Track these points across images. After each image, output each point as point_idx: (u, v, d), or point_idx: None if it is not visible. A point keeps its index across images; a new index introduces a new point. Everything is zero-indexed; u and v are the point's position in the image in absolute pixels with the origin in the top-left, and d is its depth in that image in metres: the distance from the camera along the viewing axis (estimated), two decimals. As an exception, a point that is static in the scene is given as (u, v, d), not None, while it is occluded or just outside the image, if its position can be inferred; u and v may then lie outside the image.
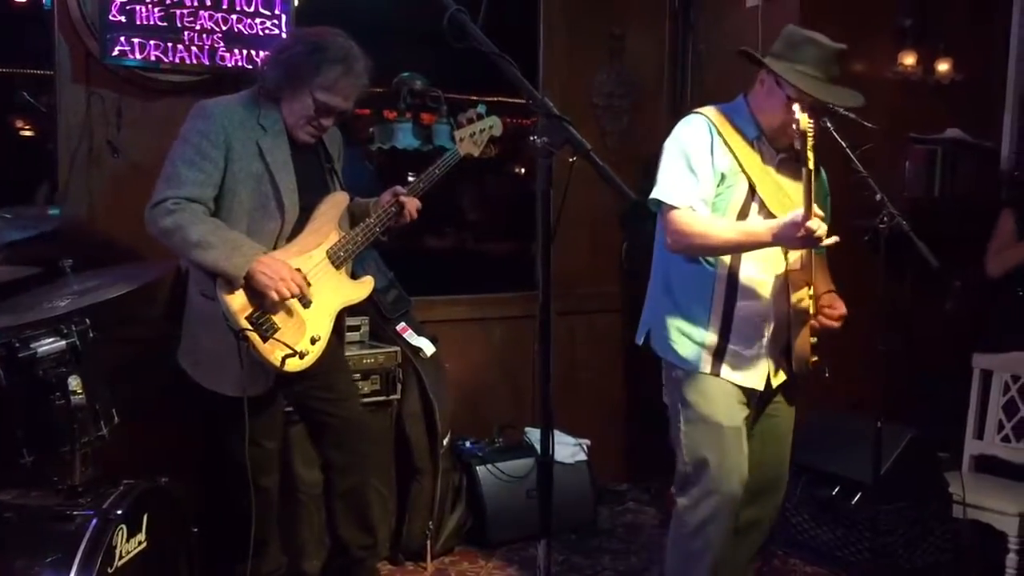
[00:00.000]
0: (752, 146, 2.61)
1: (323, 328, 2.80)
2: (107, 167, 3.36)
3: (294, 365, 2.71)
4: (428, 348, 3.72)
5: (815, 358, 2.63)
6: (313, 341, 2.77)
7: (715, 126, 2.59)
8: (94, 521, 2.31)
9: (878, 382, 2.94)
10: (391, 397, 3.59)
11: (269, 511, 2.95)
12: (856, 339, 2.84)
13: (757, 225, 2.52)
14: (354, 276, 2.99)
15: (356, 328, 3.64)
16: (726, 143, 2.57)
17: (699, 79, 4.64)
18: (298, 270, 2.73)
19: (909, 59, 4.38)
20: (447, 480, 3.72)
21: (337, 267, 2.86)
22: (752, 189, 2.57)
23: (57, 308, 2.53)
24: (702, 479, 2.60)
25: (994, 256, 4.01)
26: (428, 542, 3.61)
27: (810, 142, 2.31)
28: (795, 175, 2.62)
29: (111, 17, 3.22)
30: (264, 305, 2.67)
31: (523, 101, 1.87)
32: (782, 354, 2.66)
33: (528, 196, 4.55)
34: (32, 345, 2.46)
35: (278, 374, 2.76)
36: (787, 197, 2.60)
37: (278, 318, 2.69)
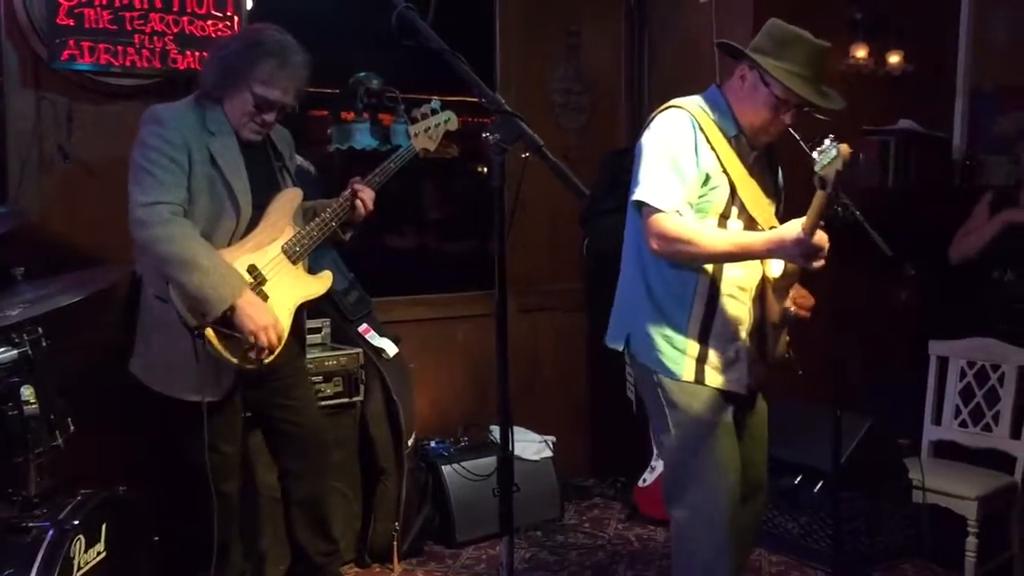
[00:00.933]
0: (731, 144, 2.51)
1: (282, 323, 2.78)
2: (58, 172, 3.31)
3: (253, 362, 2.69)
4: (391, 349, 3.70)
5: (789, 353, 2.65)
6: None
7: (698, 123, 2.48)
8: (51, 532, 2.28)
9: (835, 371, 2.98)
10: (354, 399, 3.57)
11: (230, 516, 2.92)
12: (812, 328, 2.86)
13: (752, 237, 2.43)
14: (312, 273, 2.97)
15: (318, 330, 3.62)
16: (708, 141, 2.47)
17: (656, 75, 4.68)
18: (253, 266, 2.72)
19: (861, 52, 4.44)
20: (412, 480, 3.71)
21: (294, 262, 2.84)
22: (733, 190, 2.50)
23: (9, 317, 2.48)
24: (704, 480, 2.51)
25: (957, 241, 4.03)
26: (395, 543, 3.60)
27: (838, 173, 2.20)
28: (766, 173, 2.63)
29: (59, 21, 3.17)
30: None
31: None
32: (758, 354, 2.61)
33: (490, 195, 4.55)
34: (-17, 355, 2.43)
35: (237, 378, 2.74)
36: (763, 197, 2.56)
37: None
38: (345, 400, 3.54)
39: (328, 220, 2.88)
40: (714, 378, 2.54)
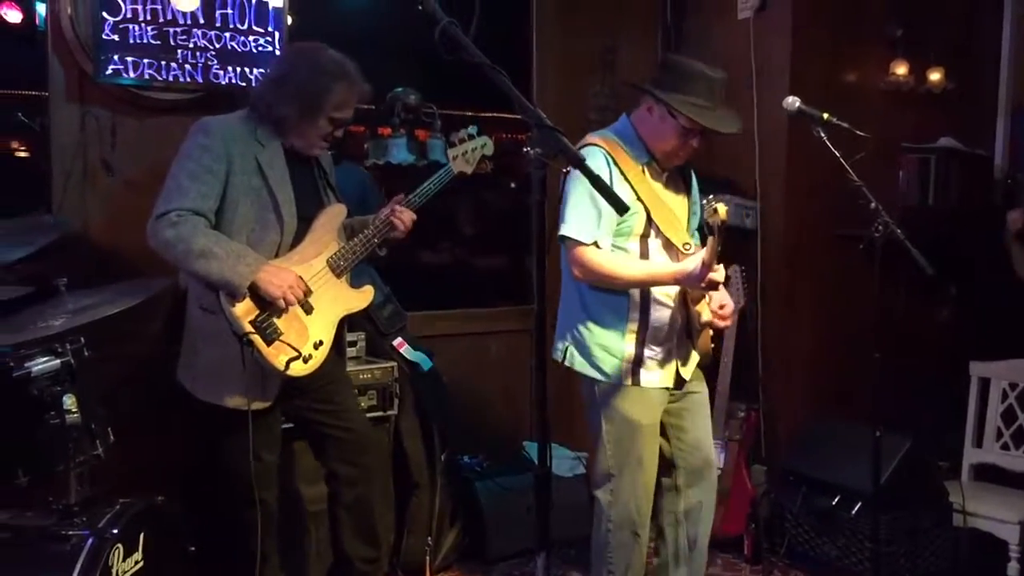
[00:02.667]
0: (644, 171, 2.83)
1: (326, 334, 2.81)
2: (101, 185, 3.37)
3: (298, 369, 2.72)
4: (425, 363, 3.71)
5: (712, 347, 3.02)
6: (316, 346, 2.78)
7: (612, 158, 2.78)
8: (90, 541, 2.30)
9: (874, 391, 2.94)
10: (388, 412, 3.57)
11: (269, 526, 2.94)
12: (851, 347, 2.84)
13: (661, 269, 2.79)
14: (353, 287, 3.00)
15: (353, 344, 3.62)
16: (622, 173, 2.78)
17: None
18: (299, 277, 2.75)
19: (901, 69, 4.40)
20: (445, 495, 3.71)
21: (338, 276, 2.88)
22: (649, 216, 2.80)
23: (52, 327, 2.52)
24: (625, 471, 2.89)
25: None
26: (427, 558, 3.59)
27: (723, 226, 2.46)
28: (678, 190, 2.96)
29: (104, 36, 3.23)
30: (268, 309, 2.68)
31: (518, 116, 1.88)
32: (687, 351, 2.95)
33: (525, 210, 4.56)
34: (26, 364, 2.45)
35: (282, 386, 2.77)
36: (675, 217, 2.87)
37: (281, 323, 2.71)
38: (379, 414, 3.54)
39: (371, 236, 2.92)
40: (648, 379, 2.87)
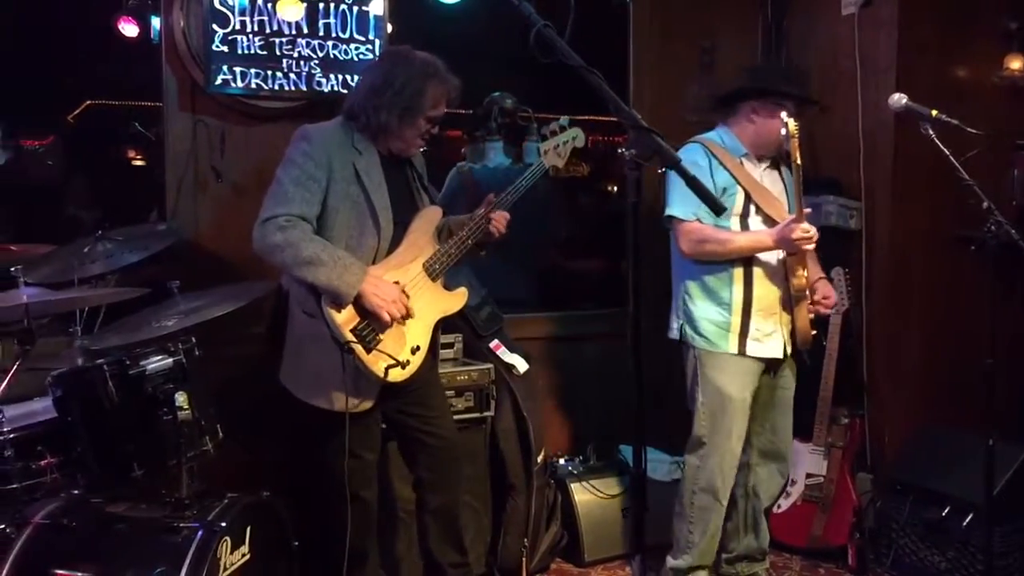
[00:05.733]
0: (741, 163, 3.21)
1: (422, 339, 2.85)
2: (211, 191, 3.49)
3: (396, 375, 2.76)
4: (521, 365, 3.73)
5: (814, 332, 3.24)
6: (413, 351, 2.82)
7: (709, 150, 3.18)
8: (200, 533, 2.40)
9: (987, 397, 2.83)
10: (485, 414, 3.60)
11: (368, 524, 2.99)
12: (962, 352, 2.73)
13: (759, 233, 3.12)
14: (448, 289, 3.03)
15: (450, 345, 3.67)
16: (720, 163, 3.16)
17: (794, 91, 4.56)
18: (396, 282, 2.79)
19: (1015, 63, 4.20)
20: (542, 497, 3.71)
21: (433, 279, 2.92)
22: (748, 196, 3.16)
23: (165, 327, 2.65)
24: (715, 440, 3.20)
25: None
26: (523, 559, 3.60)
27: (796, 142, 2.91)
28: (776, 180, 3.31)
29: (215, 48, 3.36)
30: (367, 318, 2.73)
31: (614, 119, 1.87)
32: (791, 325, 3.20)
33: (621, 213, 4.53)
34: (141, 363, 2.58)
35: (380, 389, 2.82)
36: (775, 199, 3.22)
37: (380, 330, 2.75)
38: (476, 415, 3.57)
39: (464, 239, 2.94)
40: (755, 348, 3.17)
